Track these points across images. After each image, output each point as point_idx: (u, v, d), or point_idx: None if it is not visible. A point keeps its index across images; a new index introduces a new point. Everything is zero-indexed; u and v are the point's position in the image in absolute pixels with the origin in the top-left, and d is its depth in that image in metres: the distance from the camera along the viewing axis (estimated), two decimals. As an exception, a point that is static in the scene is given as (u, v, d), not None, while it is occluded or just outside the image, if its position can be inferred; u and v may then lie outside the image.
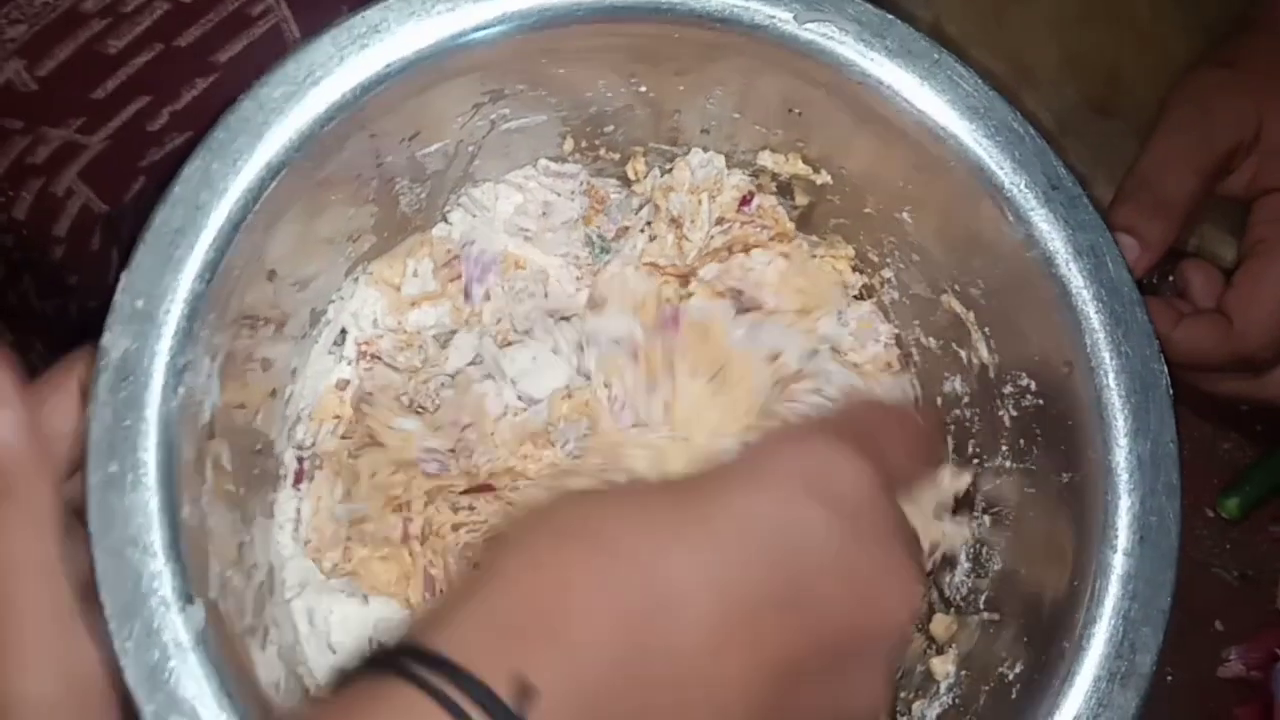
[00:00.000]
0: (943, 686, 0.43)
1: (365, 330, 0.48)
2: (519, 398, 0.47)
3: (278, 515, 0.46)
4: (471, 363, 0.47)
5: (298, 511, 0.46)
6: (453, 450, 0.46)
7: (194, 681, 0.34)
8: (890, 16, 0.41)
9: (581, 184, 0.50)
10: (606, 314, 0.47)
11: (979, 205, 0.42)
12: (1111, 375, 0.40)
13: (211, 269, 0.38)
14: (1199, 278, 0.50)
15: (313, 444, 0.47)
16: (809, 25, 0.41)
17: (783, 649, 0.28)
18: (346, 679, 0.28)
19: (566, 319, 0.49)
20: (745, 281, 0.48)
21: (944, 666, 0.43)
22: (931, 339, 0.48)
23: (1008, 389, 0.44)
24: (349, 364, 0.48)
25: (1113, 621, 0.38)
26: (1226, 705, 0.55)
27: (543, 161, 0.49)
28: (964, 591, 0.46)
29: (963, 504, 0.46)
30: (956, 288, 0.45)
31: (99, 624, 0.34)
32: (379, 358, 0.48)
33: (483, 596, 0.28)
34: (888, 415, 0.34)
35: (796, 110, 0.44)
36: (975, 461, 0.46)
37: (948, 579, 0.46)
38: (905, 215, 0.45)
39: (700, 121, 0.47)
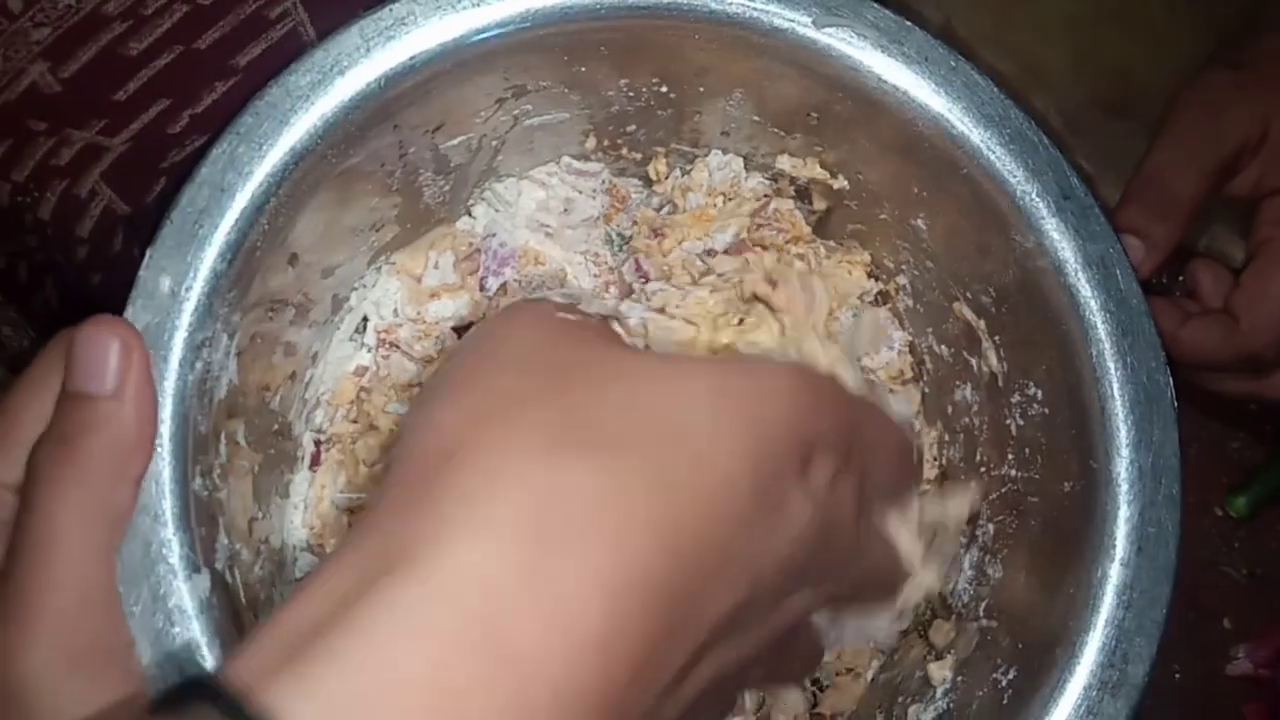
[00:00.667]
0: (939, 691, 0.43)
1: (386, 319, 0.49)
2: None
3: (293, 496, 0.48)
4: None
5: (309, 495, 0.47)
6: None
7: (196, 648, 0.35)
8: (908, 23, 0.42)
9: (603, 182, 0.51)
10: None
11: (991, 213, 0.42)
12: (1116, 386, 0.40)
13: (234, 249, 0.39)
14: (1208, 277, 0.49)
15: (330, 428, 0.48)
16: (827, 29, 0.42)
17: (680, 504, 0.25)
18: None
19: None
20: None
21: (941, 672, 0.44)
22: (944, 346, 0.48)
23: (1015, 398, 0.44)
24: (368, 351, 0.49)
25: (1106, 631, 0.38)
26: (1234, 703, 0.55)
27: (565, 159, 0.50)
28: (965, 599, 0.46)
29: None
30: (968, 295, 0.45)
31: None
32: (397, 346, 0.49)
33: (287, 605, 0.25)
34: (881, 421, 0.34)
35: (814, 115, 0.45)
36: (982, 470, 0.46)
37: (951, 585, 0.46)
38: (920, 222, 0.46)
39: (721, 123, 0.47)
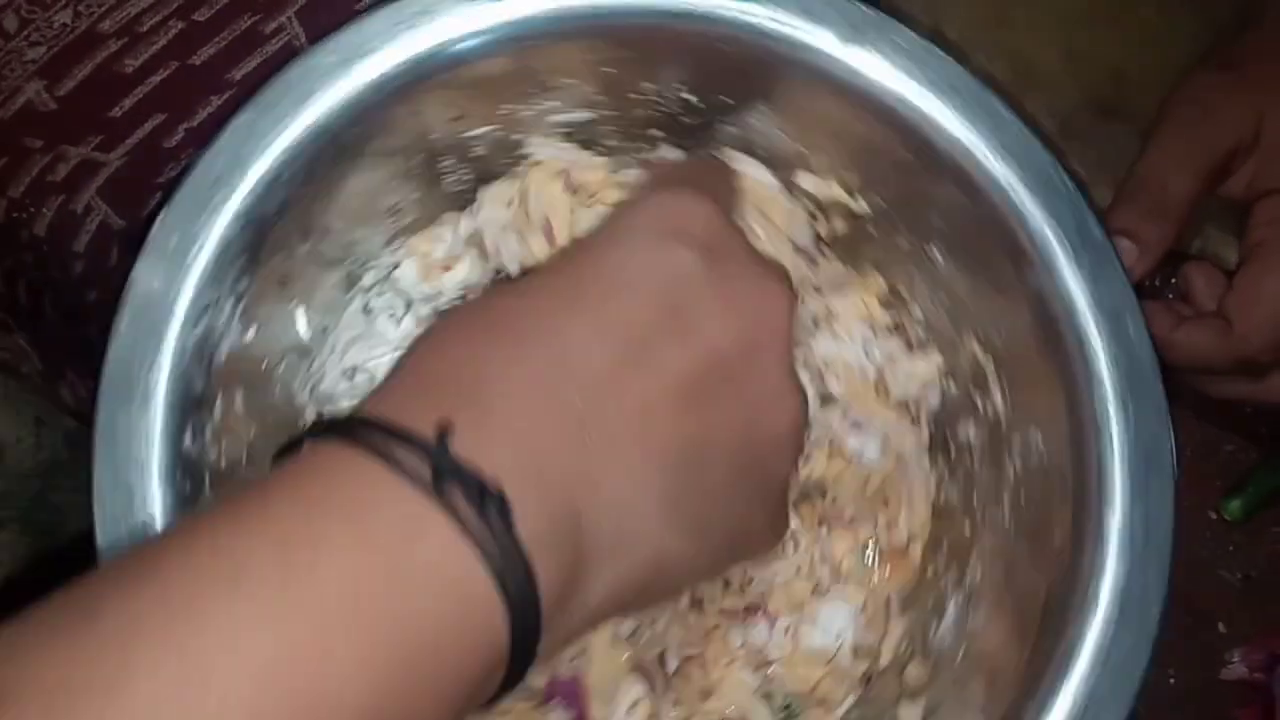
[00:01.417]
0: (906, 732, 0.43)
1: (400, 296, 0.50)
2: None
3: (290, 464, 0.48)
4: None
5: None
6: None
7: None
8: (937, 49, 0.41)
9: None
10: None
11: (1008, 250, 0.41)
12: (1116, 441, 0.39)
13: (246, 218, 0.40)
14: (1201, 280, 0.49)
15: (331, 407, 0.49)
16: (852, 49, 0.41)
17: (684, 367, 0.31)
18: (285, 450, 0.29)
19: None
20: None
21: (912, 712, 0.43)
22: (952, 382, 0.47)
23: (1016, 442, 0.43)
24: (379, 326, 0.50)
25: (1077, 692, 0.37)
26: (1228, 708, 0.54)
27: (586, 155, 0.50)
28: (947, 643, 0.45)
29: (958, 554, 0.46)
30: (980, 333, 0.45)
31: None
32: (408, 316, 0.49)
33: (403, 372, 0.30)
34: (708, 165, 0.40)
35: (837, 134, 0.44)
36: (978, 515, 0.46)
37: (933, 628, 0.46)
38: (937, 252, 0.45)
39: (743, 135, 0.47)
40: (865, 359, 0.49)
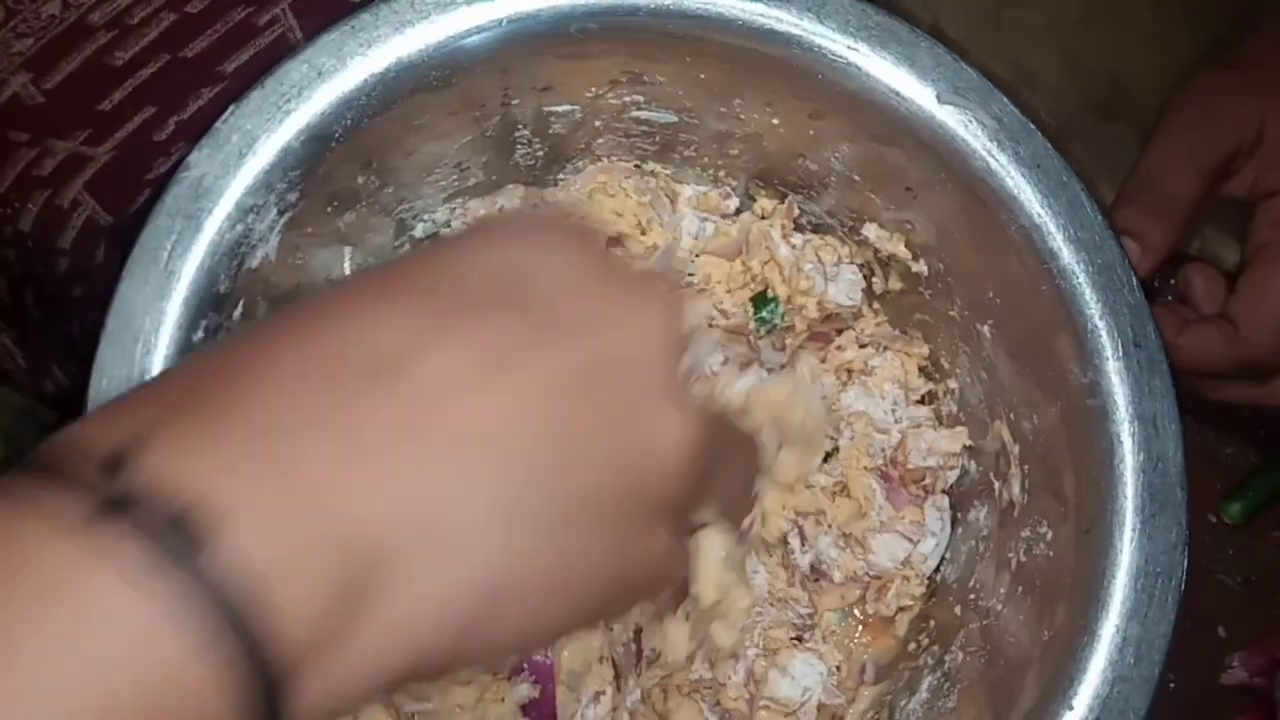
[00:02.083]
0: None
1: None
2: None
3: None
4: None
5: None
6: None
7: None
8: (1031, 125, 0.41)
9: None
10: None
11: (1058, 339, 0.40)
12: (1128, 550, 0.37)
13: (312, 132, 0.40)
14: (1201, 281, 0.48)
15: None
16: (948, 108, 0.41)
17: (544, 364, 0.25)
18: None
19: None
20: None
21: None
22: (974, 463, 0.46)
23: (1026, 533, 0.42)
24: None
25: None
26: (1229, 712, 0.53)
27: (651, 164, 0.49)
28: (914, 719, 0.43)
29: (944, 634, 0.44)
30: (1012, 416, 0.43)
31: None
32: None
33: (145, 384, 0.25)
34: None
35: (913, 190, 0.44)
36: (971, 598, 0.44)
37: (903, 704, 0.44)
38: (985, 329, 0.44)
39: (821, 173, 0.46)
40: (891, 420, 0.48)
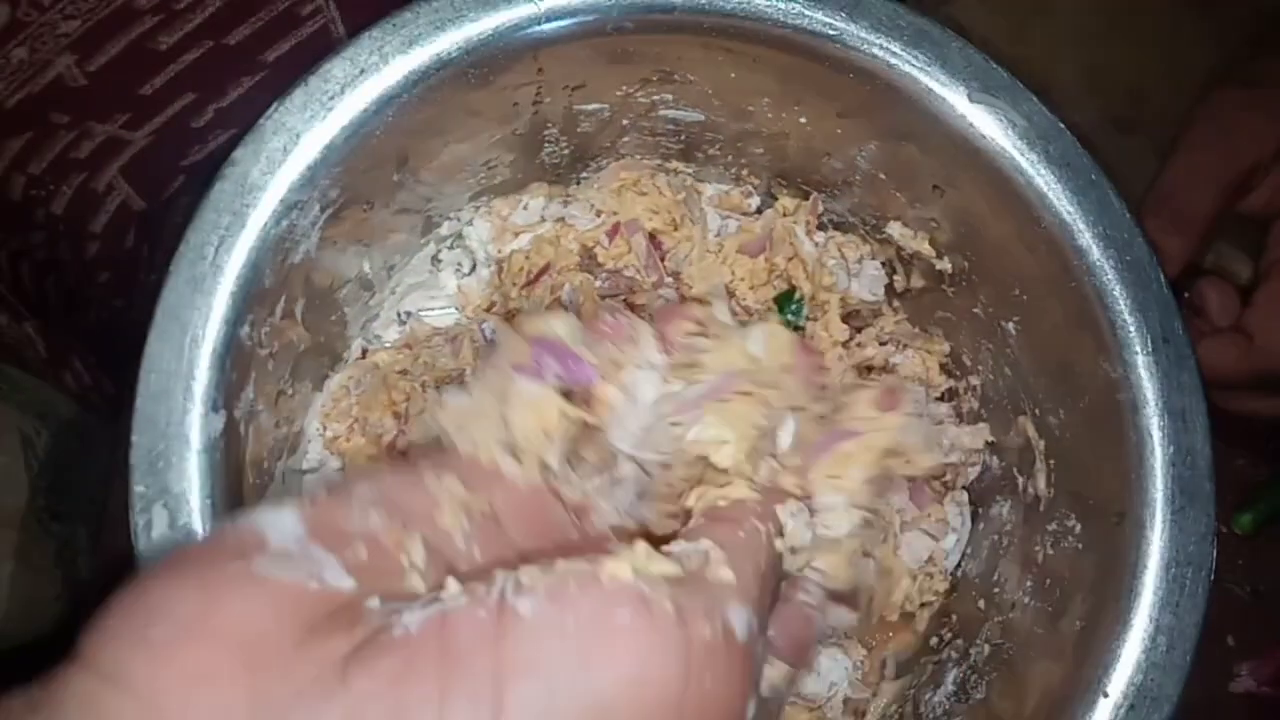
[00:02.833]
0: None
1: (468, 254, 0.50)
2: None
3: (325, 389, 0.48)
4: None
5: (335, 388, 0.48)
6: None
7: (188, 480, 0.36)
8: (1061, 124, 0.41)
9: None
10: None
11: (1086, 334, 0.41)
12: (1159, 542, 0.38)
13: (356, 128, 0.40)
14: (1215, 295, 0.49)
15: (377, 344, 0.49)
16: (979, 106, 0.41)
17: None
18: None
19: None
20: None
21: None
22: (995, 458, 0.47)
23: (1052, 526, 0.43)
24: (443, 278, 0.50)
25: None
26: None
27: (674, 163, 0.50)
28: (938, 714, 0.44)
29: (967, 628, 0.45)
30: (1037, 412, 0.44)
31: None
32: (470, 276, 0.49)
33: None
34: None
35: (939, 188, 0.45)
36: (995, 592, 0.45)
37: (928, 697, 0.45)
38: (1010, 325, 0.45)
39: (845, 171, 0.47)
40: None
